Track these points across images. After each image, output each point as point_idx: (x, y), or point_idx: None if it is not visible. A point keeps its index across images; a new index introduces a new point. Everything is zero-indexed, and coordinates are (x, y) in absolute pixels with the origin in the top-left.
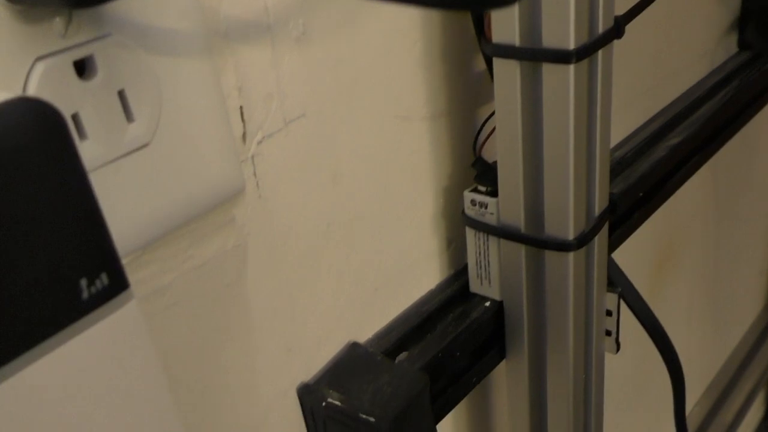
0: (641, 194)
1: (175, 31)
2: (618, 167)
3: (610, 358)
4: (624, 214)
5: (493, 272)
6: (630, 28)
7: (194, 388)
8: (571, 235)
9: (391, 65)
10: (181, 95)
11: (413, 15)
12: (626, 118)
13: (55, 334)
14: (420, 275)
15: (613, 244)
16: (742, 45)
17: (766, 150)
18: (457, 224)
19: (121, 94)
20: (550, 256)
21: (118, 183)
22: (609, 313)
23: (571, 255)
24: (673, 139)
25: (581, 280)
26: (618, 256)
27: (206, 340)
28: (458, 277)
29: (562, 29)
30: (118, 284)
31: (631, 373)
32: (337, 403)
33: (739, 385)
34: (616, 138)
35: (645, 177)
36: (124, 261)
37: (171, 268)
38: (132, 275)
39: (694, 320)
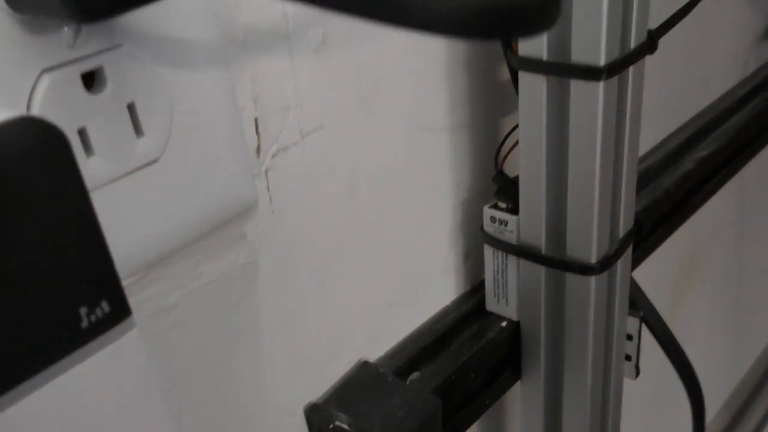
0: (666, 210)
1: (189, 42)
2: (643, 180)
3: (629, 380)
4: (647, 230)
5: (510, 291)
6: None
7: (200, 408)
8: (593, 258)
9: (412, 75)
10: (194, 108)
11: None
12: (652, 126)
13: (52, 365)
14: (435, 290)
15: (636, 261)
16: None
17: None
18: (475, 237)
19: (131, 108)
20: (571, 279)
21: (126, 200)
22: (630, 337)
23: (593, 279)
24: (701, 152)
25: (602, 304)
26: (639, 268)
27: (212, 359)
28: (475, 292)
29: (593, 43)
30: (119, 312)
31: (649, 395)
32: (345, 426)
33: (759, 400)
34: (641, 148)
35: (670, 192)
36: (130, 280)
37: (179, 285)
38: (139, 293)
39: (714, 333)
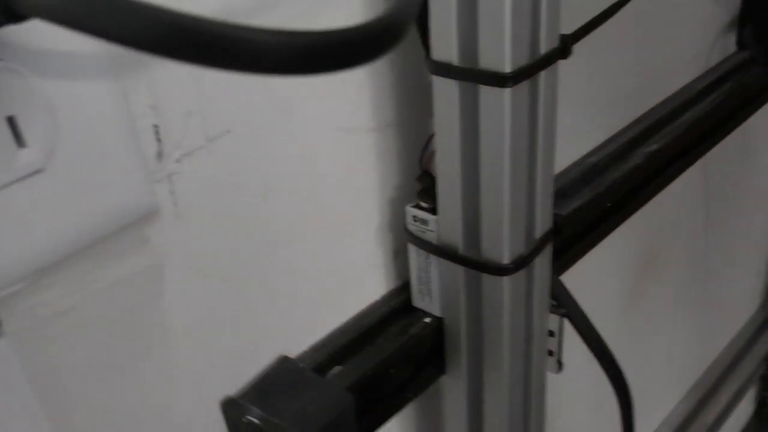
0: (609, 204)
1: (73, 55)
2: (590, 174)
3: (569, 376)
4: (592, 222)
5: (434, 289)
6: (614, 27)
7: (109, 406)
8: (506, 259)
9: (333, 76)
10: (82, 118)
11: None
12: (607, 120)
13: None
14: (363, 287)
15: (578, 253)
16: (741, 45)
17: (763, 151)
18: (404, 236)
19: (11, 120)
20: (487, 279)
21: (10, 209)
22: (552, 334)
23: (505, 279)
24: (652, 146)
25: (519, 302)
26: (598, 258)
27: (121, 357)
28: (404, 289)
29: (498, 51)
30: None
31: (590, 390)
32: (257, 421)
33: (726, 385)
34: (594, 141)
35: (617, 186)
36: (18, 286)
37: (77, 289)
38: (31, 298)
39: (680, 320)
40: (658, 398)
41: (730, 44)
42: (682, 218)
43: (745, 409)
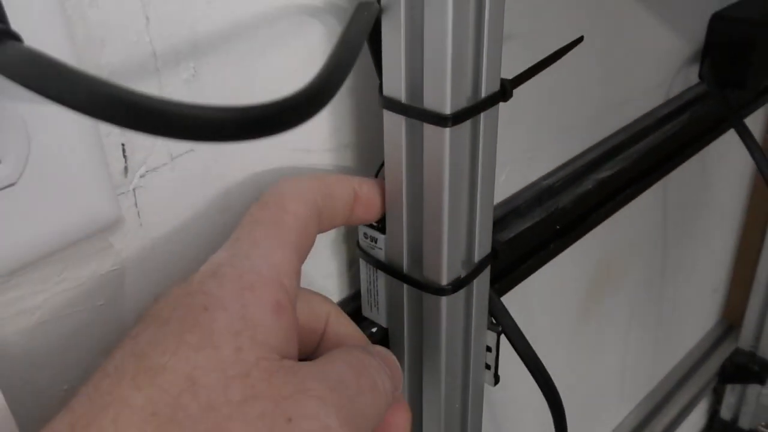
0: (558, 227)
1: None
2: (545, 196)
3: (521, 393)
4: (541, 243)
5: (381, 302)
6: (575, 55)
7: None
8: (444, 281)
9: None
10: (51, 138)
11: (313, 51)
12: (565, 144)
13: None
14: None
15: (527, 272)
16: (702, 77)
17: (721, 174)
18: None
19: None
20: (427, 297)
21: None
22: (489, 349)
23: (443, 299)
24: (604, 173)
25: (457, 319)
26: (553, 273)
27: (83, 353)
28: (357, 297)
29: (440, 92)
30: None
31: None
32: None
33: (677, 398)
34: (551, 164)
35: (565, 210)
36: None
37: (42, 290)
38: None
39: (634, 335)
40: (609, 409)
41: (693, 76)
42: (640, 237)
43: (697, 422)
